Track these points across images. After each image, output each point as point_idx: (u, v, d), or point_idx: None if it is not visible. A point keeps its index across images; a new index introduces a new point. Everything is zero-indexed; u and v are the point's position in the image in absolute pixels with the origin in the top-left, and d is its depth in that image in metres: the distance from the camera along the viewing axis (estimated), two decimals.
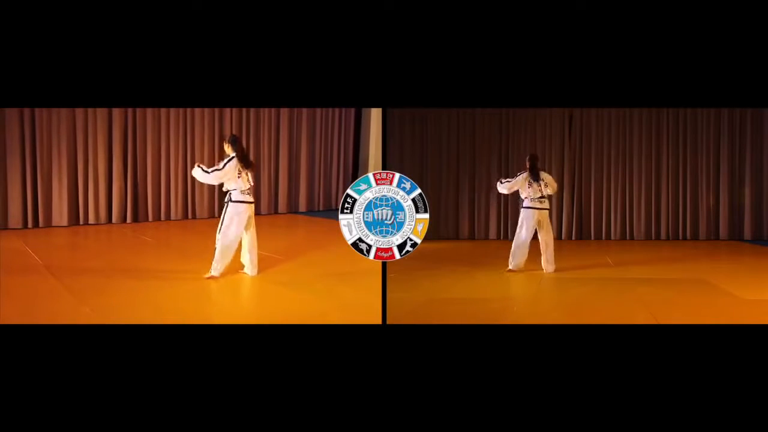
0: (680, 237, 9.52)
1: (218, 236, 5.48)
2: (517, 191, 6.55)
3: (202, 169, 5.46)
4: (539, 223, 6.46)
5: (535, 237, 6.55)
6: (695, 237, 9.47)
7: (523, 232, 6.49)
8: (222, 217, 5.52)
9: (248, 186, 5.54)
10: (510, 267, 6.52)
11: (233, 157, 5.46)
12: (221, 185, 5.60)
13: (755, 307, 5.11)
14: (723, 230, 9.39)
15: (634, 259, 7.70)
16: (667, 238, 9.52)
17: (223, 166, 5.43)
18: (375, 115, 12.13)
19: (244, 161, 5.52)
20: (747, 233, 9.33)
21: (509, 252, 6.57)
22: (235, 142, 5.56)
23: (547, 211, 6.52)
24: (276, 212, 11.15)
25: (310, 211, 11.49)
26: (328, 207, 11.87)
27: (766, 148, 9.32)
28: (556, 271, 6.52)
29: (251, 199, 5.57)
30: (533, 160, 6.51)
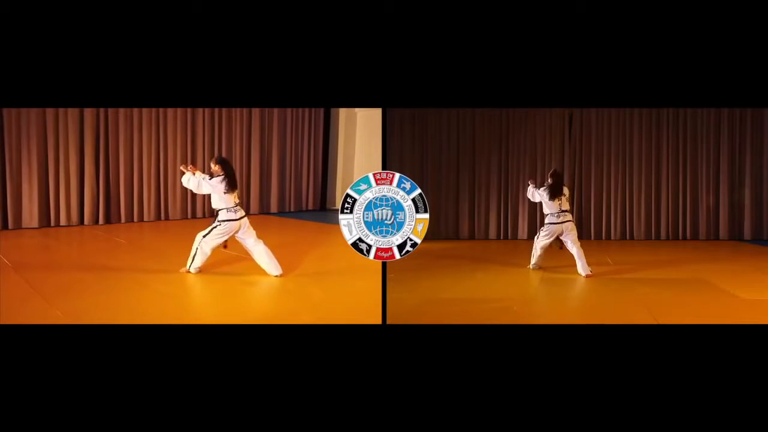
0: (680, 237, 9.52)
1: (199, 240, 5.66)
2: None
3: (192, 175, 5.60)
4: (562, 233, 6.46)
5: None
6: (695, 237, 9.47)
7: (539, 241, 6.60)
8: (211, 228, 5.65)
9: (234, 203, 5.63)
10: (530, 266, 6.68)
11: (224, 177, 5.57)
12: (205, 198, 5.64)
13: (755, 307, 5.11)
14: (723, 230, 9.39)
15: (634, 259, 7.70)
16: (667, 238, 9.51)
17: (212, 179, 5.57)
18: (343, 115, 12.20)
19: (232, 182, 5.62)
20: (747, 233, 9.32)
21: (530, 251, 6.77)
22: (225, 163, 5.67)
23: (570, 222, 6.49)
24: (248, 213, 11.12)
25: (281, 212, 11.49)
26: (299, 208, 11.90)
27: (766, 148, 9.31)
28: (555, 270, 6.53)
29: (238, 216, 5.65)
30: (557, 176, 6.53)
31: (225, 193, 5.58)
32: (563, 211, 6.46)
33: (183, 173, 5.70)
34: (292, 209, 11.77)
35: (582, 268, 6.37)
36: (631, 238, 9.60)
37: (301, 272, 6.12)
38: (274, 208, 11.51)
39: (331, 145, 12.44)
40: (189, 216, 10.33)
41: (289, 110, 11.60)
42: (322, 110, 12.20)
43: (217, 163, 5.65)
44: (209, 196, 5.73)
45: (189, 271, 5.73)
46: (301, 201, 11.99)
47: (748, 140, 9.34)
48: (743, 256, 8.07)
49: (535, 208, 9.22)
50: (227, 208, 5.62)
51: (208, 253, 5.73)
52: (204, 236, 5.67)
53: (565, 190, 6.58)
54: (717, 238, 9.39)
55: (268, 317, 4.62)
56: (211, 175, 5.63)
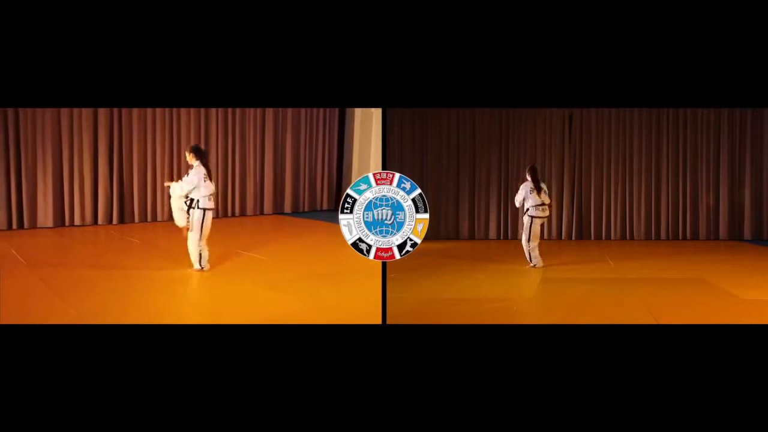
0: (680, 237, 9.52)
1: (195, 246, 5.83)
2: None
3: (179, 184, 5.83)
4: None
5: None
6: (695, 237, 9.46)
7: (532, 240, 6.82)
8: (201, 225, 5.76)
9: (213, 191, 5.84)
10: (534, 266, 6.77)
11: (199, 164, 5.79)
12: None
13: (755, 307, 5.11)
14: (723, 230, 9.39)
15: (634, 259, 7.70)
16: (667, 238, 9.51)
17: (189, 173, 5.80)
18: (359, 115, 12.14)
19: (208, 169, 5.85)
20: (747, 233, 9.32)
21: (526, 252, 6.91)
22: (199, 151, 5.90)
23: (546, 217, 6.92)
24: (262, 213, 11.14)
25: (295, 212, 11.46)
26: (313, 208, 11.86)
27: (766, 148, 9.31)
28: (555, 269, 6.53)
29: (213, 205, 5.88)
30: (534, 172, 6.82)
31: (204, 180, 5.74)
32: (544, 204, 6.75)
33: (169, 186, 5.95)
34: (306, 209, 11.72)
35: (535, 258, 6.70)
36: (631, 238, 9.59)
37: (303, 272, 6.12)
38: (288, 208, 11.47)
39: (346, 145, 12.32)
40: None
41: (303, 110, 11.54)
42: (336, 110, 12.12)
43: (191, 151, 5.88)
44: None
45: (202, 269, 5.84)
46: (315, 201, 11.94)
47: (748, 140, 9.34)
48: (743, 256, 8.07)
49: None
50: (208, 196, 5.77)
51: (206, 249, 5.91)
52: (198, 239, 5.81)
53: (543, 186, 6.83)
54: (717, 238, 9.39)
55: (269, 317, 4.62)
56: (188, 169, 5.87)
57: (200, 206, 5.76)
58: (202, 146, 10.10)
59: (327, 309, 4.91)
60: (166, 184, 6.04)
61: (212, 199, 5.84)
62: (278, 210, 11.37)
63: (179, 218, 5.86)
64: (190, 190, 5.75)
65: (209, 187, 5.78)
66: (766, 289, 5.82)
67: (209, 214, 5.82)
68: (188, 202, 5.78)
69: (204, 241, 5.86)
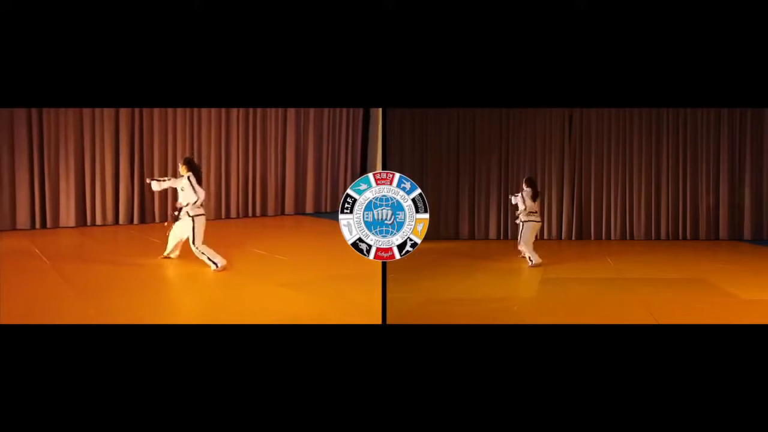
0: (680, 237, 9.52)
1: (198, 250, 6.00)
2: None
3: (157, 180, 6.31)
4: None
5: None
6: (695, 237, 9.47)
7: (527, 239, 7.02)
8: (192, 231, 5.99)
9: (203, 198, 6.10)
10: (532, 265, 6.88)
11: (189, 176, 6.03)
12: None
13: (755, 307, 5.11)
14: (723, 230, 9.39)
15: (634, 259, 7.70)
16: (667, 238, 9.51)
17: (172, 180, 6.20)
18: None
19: (199, 177, 6.11)
20: (747, 233, 9.32)
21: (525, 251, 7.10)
22: (191, 164, 6.14)
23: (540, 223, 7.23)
24: (283, 213, 11.13)
25: (317, 213, 11.43)
26: (335, 208, 11.81)
27: (766, 148, 9.31)
28: (555, 269, 6.54)
29: (203, 211, 6.13)
30: (533, 182, 7.10)
31: (194, 187, 5.99)
32: (537, 212, 7.02)
33: (153, 182, 6.34)
34: (328, 210, 11.68)
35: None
36: (631, 238, 9.60)
37: (321, 273, 6.13)
38: (309, 209, 11.44)
39: (371, 145, 12.24)
40: (223, 216, 10.34)
41: (326, 110, 11.51)
42: (360, 110, 12.07)
43: (184, 163, 6.12)
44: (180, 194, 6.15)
45: (219, 269, 5.94)
46: (337, 201, 11.86)
47: (748, 140, 9.34)
48: (743, 256, 8.07)
49: None
50: (200, 203, 6.02)
51: (208, 247, 6.05)
52: (195, 244, 5.99)
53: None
54: (717, 238, 9.40)
55: (276, 318, 4.62)
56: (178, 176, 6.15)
57: (191, 214, 5.97)
58: (222, 147, 10.35)
59: (327, 309, 4.90)
60: (147, 180, 6.41)
61: (201, 206, 6.06)
62: (299, 210, 11.35)
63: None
64: (163, 186, 6.16)
65: (195, 197, 6.01)
66: (766, 289, 5.82)
67: (199, 220, 6.02)
68: (178, 212, 6.04)
69: (199, 245, 5.98)
